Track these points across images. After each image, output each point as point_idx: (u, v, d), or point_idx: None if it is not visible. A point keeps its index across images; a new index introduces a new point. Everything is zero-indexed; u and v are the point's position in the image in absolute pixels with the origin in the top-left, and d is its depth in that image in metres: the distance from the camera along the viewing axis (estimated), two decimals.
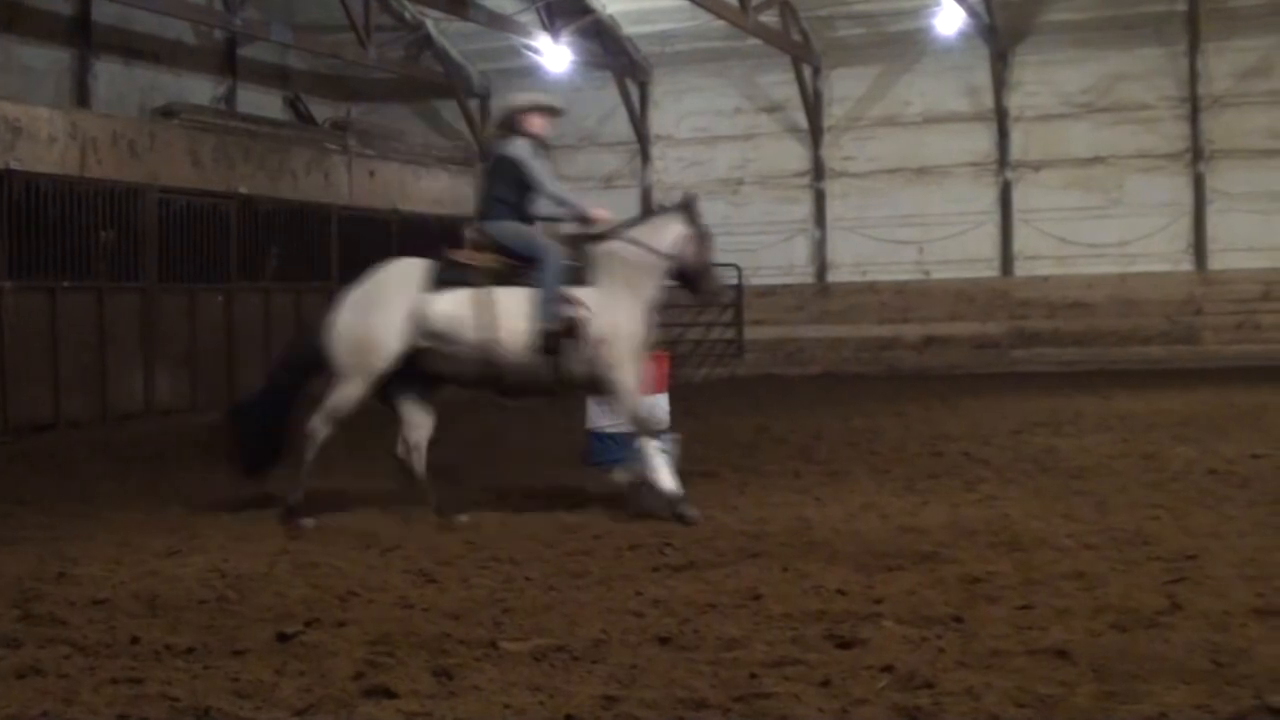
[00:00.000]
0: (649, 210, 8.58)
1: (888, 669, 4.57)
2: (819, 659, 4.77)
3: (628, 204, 20.72)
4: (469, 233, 8.43)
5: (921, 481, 9.29)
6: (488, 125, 8.57)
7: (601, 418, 9.09)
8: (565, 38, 21.53)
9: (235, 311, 17.06)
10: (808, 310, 22.83)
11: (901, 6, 21.50)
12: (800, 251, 23.04)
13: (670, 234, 8.39)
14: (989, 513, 7.85)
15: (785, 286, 22.92)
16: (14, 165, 14.25)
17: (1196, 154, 20.99)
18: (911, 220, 22.44)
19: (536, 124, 8.43)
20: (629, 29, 23.05)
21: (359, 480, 9.41)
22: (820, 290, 22.97)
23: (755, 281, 22.58)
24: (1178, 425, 12.44)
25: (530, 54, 21.93)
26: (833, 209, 22.97)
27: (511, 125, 8.44)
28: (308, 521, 7.89)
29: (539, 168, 8.38)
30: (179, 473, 10.82)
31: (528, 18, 21.47)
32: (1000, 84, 21.85)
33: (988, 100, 22.02)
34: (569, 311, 7.99)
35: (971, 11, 20.84)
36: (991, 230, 22.12)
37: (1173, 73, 21.05)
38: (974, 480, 9.30)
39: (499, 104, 8.44)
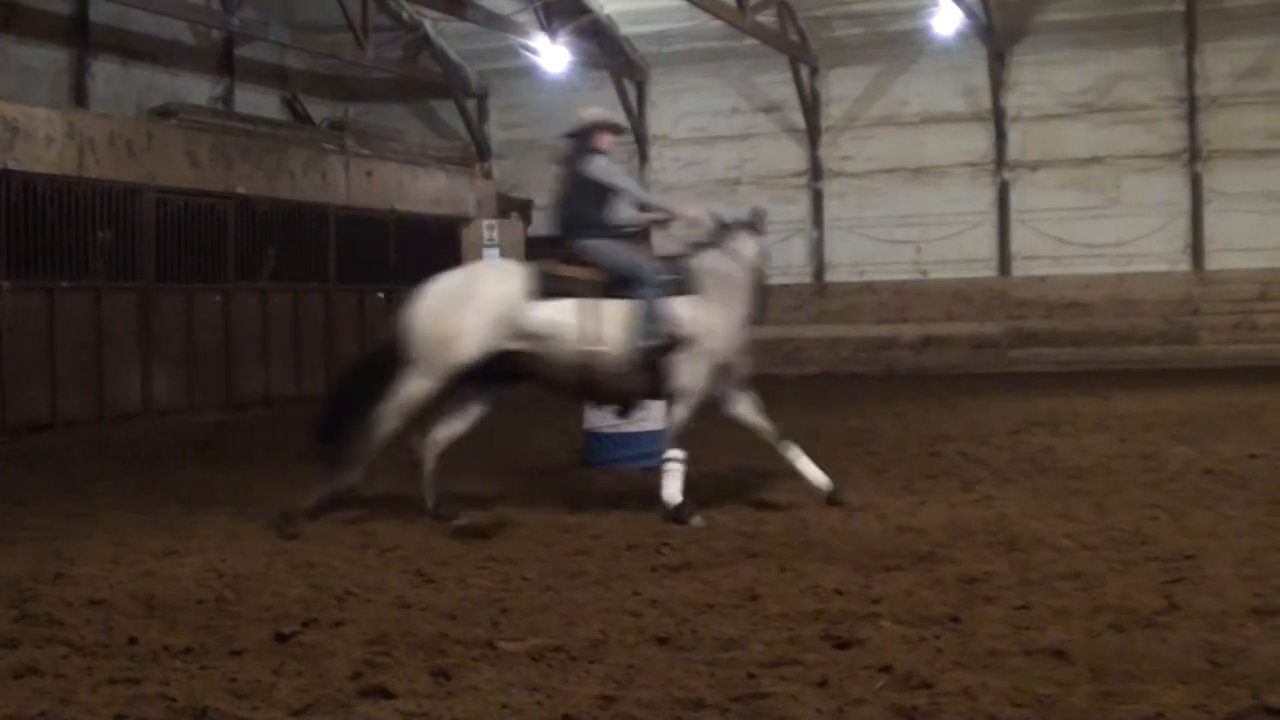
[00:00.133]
0: (723, 225, 8.63)
1: (885, 669, 4.57)
2: (816, 659, 4.76)
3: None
4: (563, 249, 8.43)
5: (919, 481, 9.29)
6: (563, 135, 8.66)
7: (599, 418, 9.08)
8: (563, 38, 21.55)
9: (233, 311, 17.06)
10: (805, 310, 22.82)
11: (899, 7, 21.50)
12: (798, 251, 23.04)
13: (751, 249, 8.48)
14: (987, 513, 7.85)
15: (783, 286, 22.87)
16: (11, 165, 14.23)
17: (1194, 154, 21.01)
18: (909, 220, 22.45)
19: (606, 141, 8.54)
20: (626, 29, 23.06)
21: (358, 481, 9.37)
22: (818, 290, 22.98)
23: None
24: (1175, 425, 12.45)
25: (528, 54, 21.96)
26: (830, 209, 22.98)
27: (584, 141, 8.50)
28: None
29: (625, 180, 8.59)
30: (176, 472, 10.80)
31: (525, 18, 21.47)
32: (998, 84, 21.87)
33: (985, 100, 22.03)
34: (669, 328, 8.06)
35: (969, 12, 20.85)
36: (989, 230, 22.13)
37: (1170, 73, 21.06)
38: (972, 480, 9.29)
39: (577, 115, 8.58)
